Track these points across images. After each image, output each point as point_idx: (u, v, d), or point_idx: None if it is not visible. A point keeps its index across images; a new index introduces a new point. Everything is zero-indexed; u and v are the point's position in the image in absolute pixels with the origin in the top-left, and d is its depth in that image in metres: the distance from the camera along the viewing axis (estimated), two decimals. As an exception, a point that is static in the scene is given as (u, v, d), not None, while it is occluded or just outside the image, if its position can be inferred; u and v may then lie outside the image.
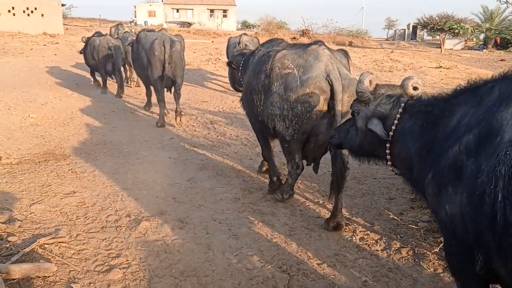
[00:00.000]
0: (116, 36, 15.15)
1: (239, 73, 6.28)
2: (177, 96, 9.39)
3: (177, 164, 6.58)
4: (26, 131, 8.38)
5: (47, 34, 29.41)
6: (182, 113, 9.53)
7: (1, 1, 29.76)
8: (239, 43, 12.50)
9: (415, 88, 3.23)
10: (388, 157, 3.08)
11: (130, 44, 11.10)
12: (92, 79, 14.49)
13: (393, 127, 2.98)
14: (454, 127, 2.43)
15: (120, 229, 4.44)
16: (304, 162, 5.03)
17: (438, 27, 35.77)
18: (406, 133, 2.91)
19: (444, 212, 2.36)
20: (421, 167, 2.72)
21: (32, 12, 31.08)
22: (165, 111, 9.69)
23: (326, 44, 4.96)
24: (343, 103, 4.44)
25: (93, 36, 13.72)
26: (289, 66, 4.65)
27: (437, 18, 36.44)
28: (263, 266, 3.84)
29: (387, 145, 3.03)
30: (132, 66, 12.23)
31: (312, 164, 5.10)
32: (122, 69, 14.43)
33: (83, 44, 13.98)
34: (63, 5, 35.24)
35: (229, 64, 6.63)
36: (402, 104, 3.00)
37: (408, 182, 3.08)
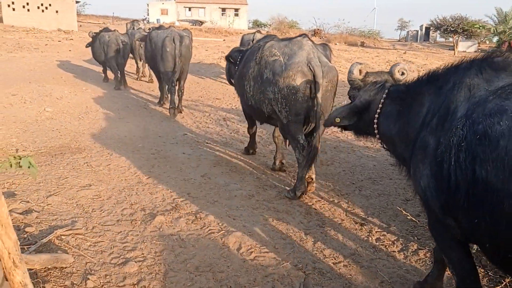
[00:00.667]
0: (131, 31, 15.33)
1: (236, 67, 6.53)
2: (181, 94, 10.35)
3: (191, 160, 6.58)
4: (42, 125, 8.46)
5: (61, 30, 29.68)
6: (182, 108, 10.43)
7: (17, -3, 30.10)
8: (253, 40, 12.72)
9: (402, 74, 3.64)
10: (377, 136, 3.49)
11: (138, 40, 11.83)
12: (103, 76, 14.61)
13: (378, 110, 3.39)
14: (425, 114, 2.89)
15: (135, 223, 4.45)
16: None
17: (452, 29, 35.47)
18: (387, 115, 3.34)
19: (420, 187, 2.76)
20: (402, 147, 3.18)
21: (46, 8, 31.39)
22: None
23: (309, 37, 5.57)
24: (322, 87, 5.02)
25: (101, 31, 13.93)
26: (276, 53, 5.25)
27: (450, 20, 36.14)
28: (278, 264, 3.82)
29: (375, 125, 3.43)
30: (146, 62, 12.66)
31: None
32: (136, 64, 14.65)
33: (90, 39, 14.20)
34: (77, 2, 35.51)
35: (227, 58, 6.91)
36: (386, 90, 3.40)
37: (394, 157, 3.49)
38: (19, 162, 2.14)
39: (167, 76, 9.82)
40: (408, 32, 55.74)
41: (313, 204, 5.17)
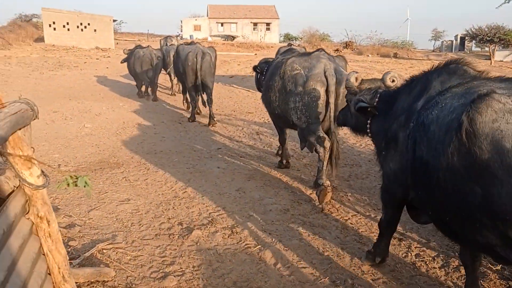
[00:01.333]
0: (165, 47, 15.85)
1: (263, 77, 7.18)
2: (209, 102, 10.88)
3: (226, 174, 6.65)
4: (81, 140, 8.75)
5: (99, 48, 30.73)
6: (215, 119, 10.80)
7: (56, 17, 31.38)
8: (288, 50, 13.11)
9: (393, 81, 4.04)
10: (369, 134, 4.12)
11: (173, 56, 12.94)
12: (138, 91, 15.13)
13: (368, 110, 3.99)
14: (398, 112, 3.54)
15: (173, 237, 4.53)
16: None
17: (488, 38, 34.58)
18: (378, 120, 3.94)
19: (388, 167, 3.59)
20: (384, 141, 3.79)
21: (85, 27, 32.56)
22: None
23: (326, 51, 6.28)
24: (338, 94, 5.68)
25: (135, 48, 14.80)
26: (297, 68, 5.93)
27: (486, 29, 35.25)
28: (316, 280, 3.80)
29: (368, 124, 4.07)
30: (175, 74, 13.56)
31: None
32: (170, 79, 15.11)
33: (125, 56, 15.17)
34: (114, 20, 36.69)
35: (254, 68, 7.76)
36: (378, 95, 4.00)
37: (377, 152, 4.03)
38: (76, 182, 2.24)
39: (188, 88, 10.93)
40: (442, 42, 54.60)
41: (349, 218, 5.13)
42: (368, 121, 4.06)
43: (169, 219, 5.01)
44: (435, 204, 2.92)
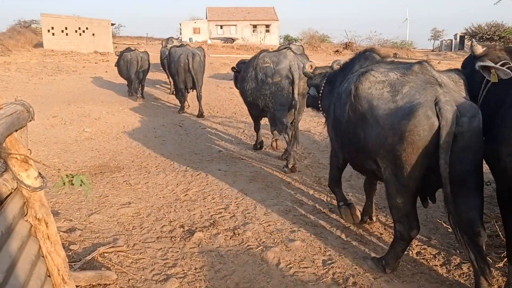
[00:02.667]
0: (163, 49, 16.45)
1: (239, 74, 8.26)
2: (199, 97, 12.37)
3: (227, 176, 6.64)
4: (81, 145, 8.75)
5: (97, 52, 30.71)
6: (203, 114, 12.23)
7: (55, 22, 31.41)
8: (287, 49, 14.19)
9: (338, 66, 4.97)
10: (320, 109, 5.16)
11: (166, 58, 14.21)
12: (128, 90, 15.71)
13: (321, 91, 5.07)
14: (334, 90, 4.51)
15: (175, 240, 4.52)
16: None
17: (487, 37, 34.63)
18: (325, 94, 4.94)
19: (331, 134, 4.63)
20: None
21: (83, 31, 32.57)
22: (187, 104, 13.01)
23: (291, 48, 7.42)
24: (300, 86, 6.76)
25: (124, 51, 15.68)
26: (267, 61, 6.97)
27: (486, 28, 35.34)
28: (318, 279, 3.79)
29: (319, 102, 5.10)
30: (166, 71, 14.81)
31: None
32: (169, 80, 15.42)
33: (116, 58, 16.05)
34: (112, 24, 36.73)
35: (232, 69, 8.78)
36: (325, 78, 5.03)
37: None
38: (72, 180, 2.23)
39: (180, 86, 12.27)
40: (442, 41, 54.62)
41: (350, 218, 5.11)
42: (319, 102, 5.10)
43: (171, 221, 5.00)
44: (345, 147, 4.25)
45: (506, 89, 3.33)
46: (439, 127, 3.16)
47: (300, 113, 7.17)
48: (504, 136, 3.16)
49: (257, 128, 8.37)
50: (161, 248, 4.34)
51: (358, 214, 4.90)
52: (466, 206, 3.38)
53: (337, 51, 36.51)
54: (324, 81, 4.98)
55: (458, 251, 4.24)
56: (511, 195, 3.20)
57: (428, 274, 3.88)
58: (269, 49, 8.27)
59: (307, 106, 5.97)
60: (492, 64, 3.43)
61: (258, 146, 8.43)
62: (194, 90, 12.45)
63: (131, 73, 15.01)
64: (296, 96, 6.73)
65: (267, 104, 6.97)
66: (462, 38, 48.06)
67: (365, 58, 4.37)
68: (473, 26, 36.82)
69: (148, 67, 15.78)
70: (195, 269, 3.95)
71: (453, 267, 3.98)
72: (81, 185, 2.25)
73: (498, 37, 34.14)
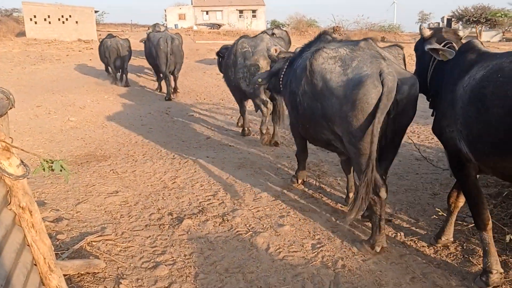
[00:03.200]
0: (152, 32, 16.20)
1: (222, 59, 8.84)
2: (176, 78, 13.37)
3: (215, 163, 6.61)
4: (67, 134, 8.64)
5: (81, 40, 30.17)
6: (178, 90, 13.43)
7: (37, 10, 30.74)
8: (272, 34, 14.97)
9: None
10: (281, 90, 5.38)
11: (143, 41, 14.55)
12: (108, 74, 16.16)
13: (282, 73, 5.30)
14: (294, 68, 4.79)
15: (164, 227, 4.50)
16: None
17: (474, 19, 34.76)
18: (285, 76, 5.16)
19: (287, 104, 5.04)
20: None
21: (67, 19, 31.92)
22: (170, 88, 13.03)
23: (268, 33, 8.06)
24: None
25: (104, 38, 15.86)
26: (246, 46, 7.49)
27: (472, 10, 35.42)
28: (307, 263, 3.81)
29: (280, 83, 5.35)
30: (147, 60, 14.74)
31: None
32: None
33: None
34: (96, 11, 36.09)
35: (217, 54, 9.23)
36: (288, 61, 5.27)
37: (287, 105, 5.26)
38: (51, 166, 2.19)
39: (161, 69, 12.75)
40: (429, 24, 54.75)
41: (339, 202, 5.14)
42: (281, 80, 5.35)
43: (159, 209, 4.97)
44: (300, 119, 4.64)
45: (444, 68, 3.75)
46: (382, 94, 3.56)
47: None
48: (442, 110, 3.54)
49: (243, 111, 8.58)
50: (149, 236, 4.32)
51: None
52: (385, 161, 4.03)
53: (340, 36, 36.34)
54: (286, 64, 5.26)
55: (445, 232, 4.28)
56: (459, 158, 3.44)
57: (416, 255, 3.93)
58: (257, 34, 8.23)
59: (267, 89, 6.38)
60: (439, 46, 3.80)
61: (246, 131, 8.52)
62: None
63: (111, 60, 15.24)
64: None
65: (248, 85, 7.43)
66: (449, 21, 48.16)
67: (320, 40, 4.84)
68: (460, 9, 36.87)
69: (130, 55, 15.76)
70: (185, 256, 3.94)
71: (440, 248, 4.02)
72: (61, 170, 2.20)
73: (484, 20, 34.30)
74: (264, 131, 7.63)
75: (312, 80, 4.08)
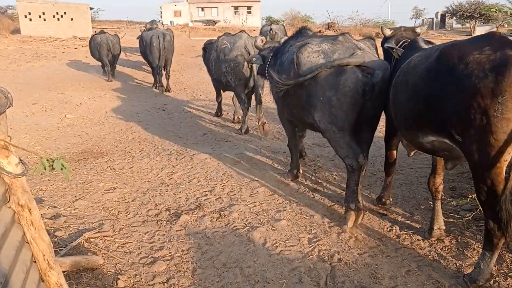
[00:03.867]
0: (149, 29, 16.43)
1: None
2: (168, 72, 14.02)
3: (212, 159, 6.64)
4: (63, 131, 8.64)
5: (77, 37, 30.04)
6: (170, 89, 13.82)
7: (32, 7, 30.59)
8: (270, 30, 16.48)
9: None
10: (267, 75, 5.53)
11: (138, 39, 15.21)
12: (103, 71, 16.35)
13: (267, 62, 5.66)
14: (277, 58, 5.28)
15: (161, 223, 4.53)
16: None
17: (468, 14, 34.82)
18: (271, 64, 5.49)
19: (273, 92, 5.43)
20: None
21: (62, 16, 31.78)
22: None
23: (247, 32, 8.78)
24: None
25: (95, 34, 16.45)
26: (225, 43, 8.37)
27: (466, 5, 35.49)
28: (304, 257, 3.85)
29: (266, 71, 5.53)
30: (141, 55, 15.57)
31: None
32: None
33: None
34: (91, 8, 35.93)
35: (203, 49, 9.81)
36: (272, 51, 5.69)
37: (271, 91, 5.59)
38: (52, 165, 2.21)
39: (154, 64, 13.61)
40: (423, 20, 54.75)
41: (335, 196, 5.18)
42: (266, 68, 5.59)
43: (156, 205, 5.00)
44: (287, 105, 5.14)
45: (396, 63, 4.33)
46: (361, 80, 4.20)
47: (259, 83, 7.90)
48: (390, 97, 4.03)
49: (218, 99, 9.91)
50: (147, 232, 4.35)
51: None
52: (366, 138, 4.63)
53: (319, 31, 36.26)
54: (271, 54, 5.66)
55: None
56: (391, 132, 4.58)
57: (411, 249, 3.97)
58: (253, 30, 8.57)
59: (257, 73, 6.82)
60: (392, 45, 4.53)
61: (218, 113, 9.99)
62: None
63: (102, 55, 15.75)
64: (254, 69, 7.56)
65: (229, 79, 8.31)
66: (443, 16, 48.25)
67: (301, 35, 5.33)
68: (454, 4, 36.93)
69: (119, 50, 16.48)
70: (182, 251, 3.97)
71: (435, 241, 4.06)
72: (62, 169, 2.22)
73: (478, 15, 34.37)
74: (245, 125, 8.41)
75: (299, 71, 4.54)
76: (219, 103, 9.97)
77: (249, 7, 52.78)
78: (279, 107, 5.61)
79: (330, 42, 4.57)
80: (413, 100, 3.47)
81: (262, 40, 6.29)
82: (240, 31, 8.71)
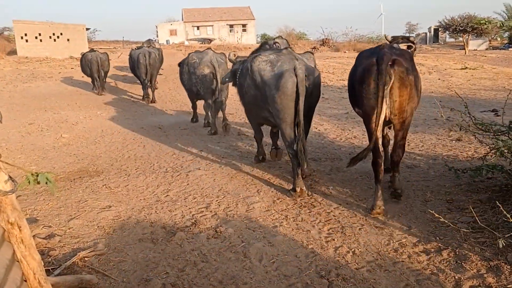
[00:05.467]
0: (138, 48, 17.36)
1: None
2: (153, 87, 15.40)
3: (208, 175, 6.62)
4: (59, 151, 8.62)
5: (73, 57, 30.22)
6: (155, 101, 15.26)
7: (28, 28, 30.83)
8: (274, 43, 16.42)
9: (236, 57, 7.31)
10: (237, 84, 6.72)
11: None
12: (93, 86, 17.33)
13: (238, 74, 6.60)
14: (239, 71, 6.56)
15: (156, 241, 4.48)
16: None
17: (461, 28, 35.24)
18: (240, 74, 6.49)
19: (242, 100, 6.70)
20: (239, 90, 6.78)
21: (58, 37, 32.04)
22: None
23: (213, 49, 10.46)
24: (220, 73, 9.34)
25: (86, 52, 17.98)
26: (194, 58, 9.96)
27: (459, 20, 35.93)
28: (301, 273, 3.81)
29: (237, 80, 6.68)
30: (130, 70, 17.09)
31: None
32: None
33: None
34: (87, 29, 36.23)
35: (179, 64, 11.15)
36: (242, 64, 6.55)
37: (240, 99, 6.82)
38: (37, 179, 2.19)
39: (141, 79, 15.03)
40: (416, 34, 55.43)
41: (331, 211, 5.15)
42: (237, 80, 6.66)
43: (152, 223, 4.95)
44: (248, 104, 6.43)
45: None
46: (297, 82, 5.36)
47: (223, 91, 9.63)
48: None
49: (194, 107, 11.51)
50: (142, 250, 4.30)
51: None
52: (302, 129, 5.43)
53: (314, 47, 36.68)
54: (241, 66, 6.56)
55: (438, 238, 4.31)
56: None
57: (409, 262, 3.93)
58: (248, 48, 9.08)
59: (230, 81, 7.43)
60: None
61: (193, 120, 11.49)
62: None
63: (93, 72, 17.02)
64: (219, 80, 9.30)
65: (199, 89, 9.88)
66: (436, 31, 48.85)
67: (262, 48, 6.90)
68: (446, 18, 37.40)
69: (108, 67, 17.76)
70: (178, 269, 3.92)
71: (433, 254, 4.03)
72: (46, 183, 2.20)
73: (471, 28, 34.76)
74: (214, 128, 9.85)
75: (253, 76, 5.89)
76: (195, 111, 11.49)
77: (244, 25, 53.41)
78: (246, 109, 6.75)
79: (276, 53, 5.90)
80: None
81: (234, 55, 7.30)
82: (207, 48, 10.33)
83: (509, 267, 3.66)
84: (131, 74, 19.19)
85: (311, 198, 5.59)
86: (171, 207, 5.43)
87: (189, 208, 5.36)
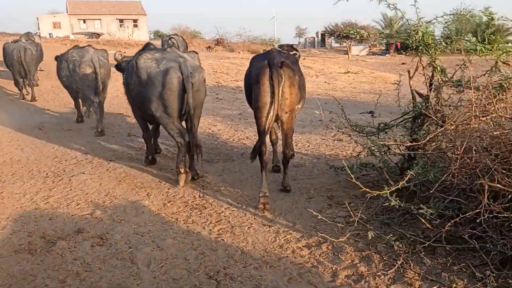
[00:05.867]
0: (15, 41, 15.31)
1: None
2: (31, 84, 14.21)
3: (93, 180, 6.31)
4: None
5: None
6: (36, 98, 14.10)
7: None
8: (169, 40, 16.98)
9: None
10: (124, 82, 6.86)
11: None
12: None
13: (125, 73, 6.78)
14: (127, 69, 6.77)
15: (34, 252, 4.18)
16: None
17: (344, 35, 37.88)
18: (126, 75, 6.67)
19: (129, 98, 6.75)
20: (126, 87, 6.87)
21: None
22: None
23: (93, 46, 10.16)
24: (101, 73, 9.53)
25: (10, 43, 14.86)
26: (75, 56, 9.71)
27: (342, 26, 38.60)
28: (190, 275, 3.82)
29: (123, 79, 6.89)
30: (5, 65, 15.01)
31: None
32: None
33: None
34: (-46, 17, 32.28)
35: (56, 58, 10.70)
36: (129, 62, 6.70)
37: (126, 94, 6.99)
38: None
39: (17, 75, 14.05)
40: (305, 39, 58.39)
41: (222, 211, 5.23)
42: (123, 77, 6.89)
43: (30, 233, 4.59)
44: (134, 101, 6.57)
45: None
46: (182, 79, 5.72)
47: (104, 91, 9.88)
48: None
49: (77, 105, 10.96)
50: (19, 262, 3.98)
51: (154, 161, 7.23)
52: (192, 124, 5.94)
53: (209, 47, 36.76)
54: (128, 65, 6.66)
55: (318, 233, 4.58)
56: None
57: (293, 257, 4.15)
58: (140, 44, 8.89)
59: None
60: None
61: (78, 120, 10.99)
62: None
63: (13, 68, 14.45)
64: (99, 78, 9.40)
65: (78, 86, 9.71)
66: (323, 35, 51.88)
67: (147, 47, 6.82)
68: (331, 25, 39.92)
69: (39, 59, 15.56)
70: (58, 280, 3.70)
71: (314, 248, 4.30)
72: None
73: (353, 35, 37.49)
74: (99, 128, 9.50)
75: (138, 73, 6.01)
76: (79, 110, 11.00)
77: (135, 21, 51.72)
78: (132, 107, 6.84)
79: (161, 52, 6.17)
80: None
81: (120, 54, 7.29)
82: (88, 45, 10.17)
83: (378, 256, 4.04)
84: (7, 69, 17.50)
85: (202, 199, 5.62)
86: (51, 214, 5.08)
87: (72, 215, 5.07)
